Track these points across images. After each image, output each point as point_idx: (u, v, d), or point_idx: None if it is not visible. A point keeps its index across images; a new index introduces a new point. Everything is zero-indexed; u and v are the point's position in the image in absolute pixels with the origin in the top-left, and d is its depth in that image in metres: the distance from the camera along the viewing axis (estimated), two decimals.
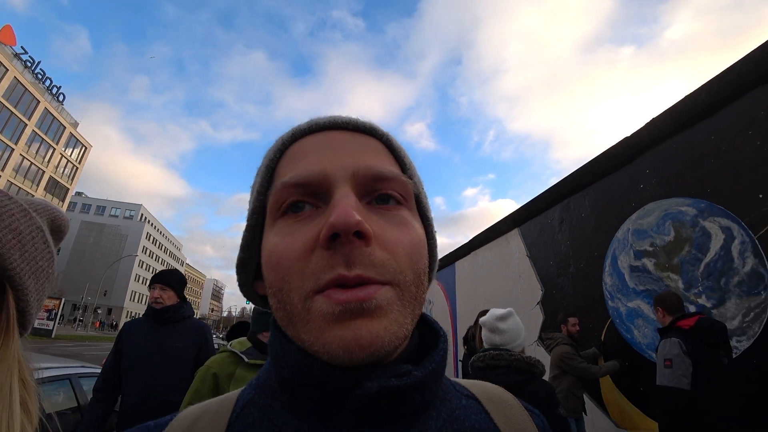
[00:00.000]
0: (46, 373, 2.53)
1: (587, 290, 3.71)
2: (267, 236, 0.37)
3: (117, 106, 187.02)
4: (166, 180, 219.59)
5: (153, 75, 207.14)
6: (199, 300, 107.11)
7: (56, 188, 41.66)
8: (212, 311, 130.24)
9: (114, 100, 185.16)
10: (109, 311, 57.19)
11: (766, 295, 2.28)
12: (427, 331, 0.42)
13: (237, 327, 2.39)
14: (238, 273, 0.43)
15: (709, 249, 2.62)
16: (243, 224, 0.42)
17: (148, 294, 2.37)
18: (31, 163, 37.31)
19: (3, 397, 0.43)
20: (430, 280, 0.40)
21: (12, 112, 33.78)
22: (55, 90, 40.04)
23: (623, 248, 3.33)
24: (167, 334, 2.22)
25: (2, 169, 33.59)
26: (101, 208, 62.45)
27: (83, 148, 46.36)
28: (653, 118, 3.17)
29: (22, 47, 35.70)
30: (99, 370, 2.71)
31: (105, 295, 56.02)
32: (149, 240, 63.84)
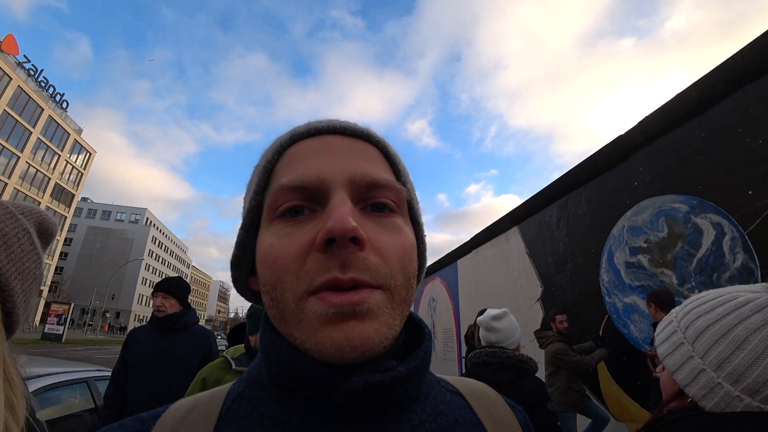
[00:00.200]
0: (65, 377, 2.63)
1: (585, 287, 3.77)
2: (263, 235, 0.38)
3: (119, 112, 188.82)
4: (169, 183, 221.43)
5: (154, 79, 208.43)
6: (205, 302, 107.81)
7: (62, 194, 42.10)
8: (219, 313, 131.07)
9: (116, 106, 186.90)
10: (117, 315, 57.78)
11: None
12: (413, 330, 0.43)
13: (238, 329, 2.40)
14: (232, 269, 0.44)
15: (701, 245, 2.68)
16: None
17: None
18: (37, 170, 37.74)
19: None
20: (418, 282, 0.42)
21: (17, 121, 34.18)
22: (58, 97, 40.45)
23: (619, 245, 3.39)
24: (170, 341, 2.23)
25: (9, 177, 34.00)
26: (107, 213, 63.08)
27: (87, 154, 46.79)
28: (645, 117, 3.21)
29: (24, 56, 36.20)
30: None
31: (113, 298, 56.66)
32: (155, 243, 64.36)
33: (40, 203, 35.44)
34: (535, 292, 4.60)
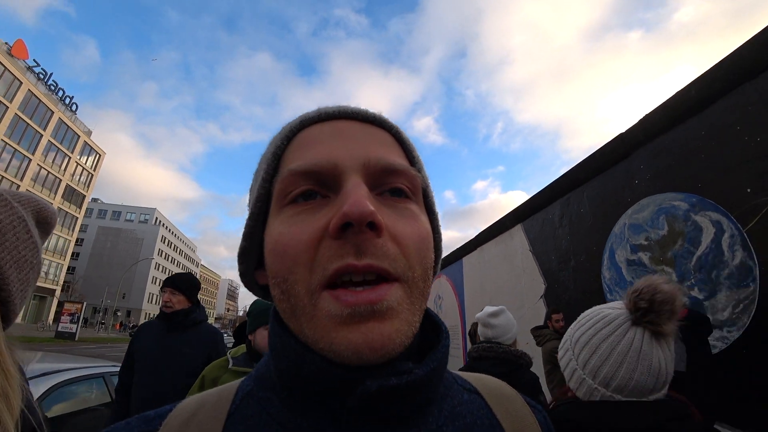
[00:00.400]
0: (83, 372, 2.77)
1: (587, 284, 3.81)
2: (272, 224, 0.36)
3: (128, 113, 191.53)
4: (178, 183, 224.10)
5: (161, 80, 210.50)
6: (214, 300, 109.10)
7: (73, 195, 42.84)
8: (228, 311, 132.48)
9: (125, 107, 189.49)
10: (129, 313, 58.72)
11: (754, 287, 2.36)
12: (428, 325, 0.41)
13: (244, 326, 2.43)
14: (239, 262, 0.42)
15: (701, 242, 2.70)
16: None
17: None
18: (48, 172, 38.42)
19: None
20: (434, 275, 0.39)
21: (28, 124, 34.84)
22: (68, 100, 41.06)
23: (620, 243, 3.42)
24: (177, 338, 2.17)
25: (21, 179, 34.65)
26: (117, 213, 64.02)
27: (97, 156, 47.50)
28: (646, 114, 3.23)
29: (34, 60, 36.78)
30: None
31: (123, 297, 57.60)
32: (164, 243, 65.20)
33: (51, 204, 35.96)
34: (539, 289, 4.63)
